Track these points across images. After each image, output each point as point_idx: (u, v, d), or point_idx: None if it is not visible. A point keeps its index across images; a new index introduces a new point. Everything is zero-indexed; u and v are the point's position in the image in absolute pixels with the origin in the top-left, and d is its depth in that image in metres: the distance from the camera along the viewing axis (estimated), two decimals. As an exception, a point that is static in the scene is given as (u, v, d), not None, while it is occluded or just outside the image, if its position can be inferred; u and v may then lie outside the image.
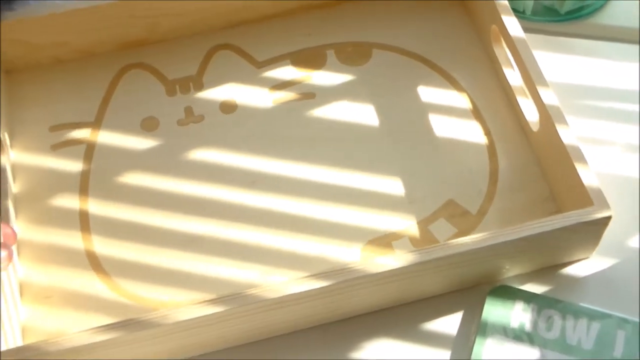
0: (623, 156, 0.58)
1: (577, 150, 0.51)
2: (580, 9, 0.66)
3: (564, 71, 0.62)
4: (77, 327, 0.49)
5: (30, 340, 0.50)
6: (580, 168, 0.50)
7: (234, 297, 0.46)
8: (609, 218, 0.49)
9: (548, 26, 0.66)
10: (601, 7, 0.66)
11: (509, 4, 0.63)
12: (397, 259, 0.47)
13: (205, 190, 0.56)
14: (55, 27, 0.60)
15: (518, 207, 0.55)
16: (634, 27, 0.64)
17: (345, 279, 0.47)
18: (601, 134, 0.59)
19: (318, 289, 0.46)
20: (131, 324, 0.45)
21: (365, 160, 0.57)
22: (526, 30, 0.62)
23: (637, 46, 0.64)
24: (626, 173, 0.57)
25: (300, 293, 0.46)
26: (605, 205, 0.49)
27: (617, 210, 0.51)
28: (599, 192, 0.50)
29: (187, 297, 0.52)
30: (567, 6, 0.65)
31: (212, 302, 0.46)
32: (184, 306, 0.46)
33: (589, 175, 0.50)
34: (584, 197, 0.50)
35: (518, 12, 0.66)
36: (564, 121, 0.52)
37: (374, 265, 0.47)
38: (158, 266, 0.53)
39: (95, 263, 0.53)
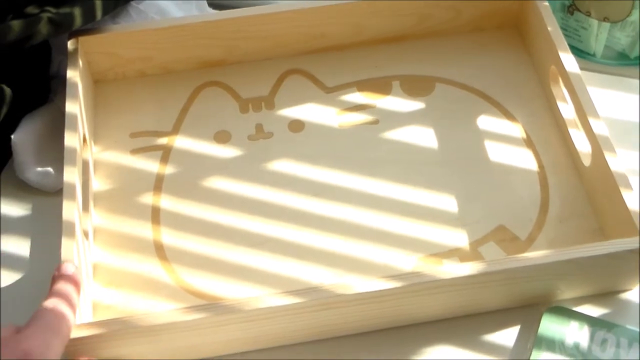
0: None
1: (625, 179, 0.54)
2: (651, 54, 0.70)
3: (627, 109, 0.65)
4: (139, 309, 0.53)
5: (99, 315, 0.54)
6: (626, 195, 0.53)
7: (311, 290, 0.50)
8: (654, 248, 0.51)
9: (618, 69, 0.69)
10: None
11: (581, 45, 0.66)
12: (461, 267, 0.51)
13: (271, 195, 0.60)
14: (142, 43, 0.65)
15: (566, 236, 0.57)
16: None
17: (417, 281, 0.50)
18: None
19: (391, 289, 0.50)
20: (214, 307, 0.49)
21: (423, 183, 0.61)
22: (594, 71, 0.66)
23: None
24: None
25: (375, 292, 0.50)
26: (650, 234, 0.52)
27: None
28: (644, 222, 0.52)
29: (244, 294, 0.55)
30: (637, 51, 0.69)
31: (290, 293, 0.50)
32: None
33: (634, 203, 0.53)
34: (630, 226, 0.52)
35: (589, 55, 0.69)
36: (612, 150, 0.55)
37: (442, 272, 0.51)
38: (218, 259, 0.57)
39: (161, 252, 0.57)
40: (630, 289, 0.55)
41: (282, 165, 0.62)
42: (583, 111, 0.58)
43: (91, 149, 0.62)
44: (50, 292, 0.48)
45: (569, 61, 0.61)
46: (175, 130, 0.65)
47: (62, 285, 0.49)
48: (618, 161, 0.55)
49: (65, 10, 0.61)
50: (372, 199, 0.60)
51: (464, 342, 0.53)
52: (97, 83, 0.67)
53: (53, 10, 0.61)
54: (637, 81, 0.68)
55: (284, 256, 0.57)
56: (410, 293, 0.51)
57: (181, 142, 0.64)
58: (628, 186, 0.54)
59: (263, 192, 0.61)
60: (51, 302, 0.47)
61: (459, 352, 0.53)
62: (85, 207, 0.58)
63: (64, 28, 0.61)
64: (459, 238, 0.58)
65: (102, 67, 0.66)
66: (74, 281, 0.49)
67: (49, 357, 0.44)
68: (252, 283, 0.56)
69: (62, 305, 0.47)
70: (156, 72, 0.68)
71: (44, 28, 0.60)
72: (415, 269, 0.56)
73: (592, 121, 0.57)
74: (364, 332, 0.54)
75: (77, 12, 0.61)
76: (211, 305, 0.49)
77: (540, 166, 0.61)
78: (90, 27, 0.64)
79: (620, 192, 0.54)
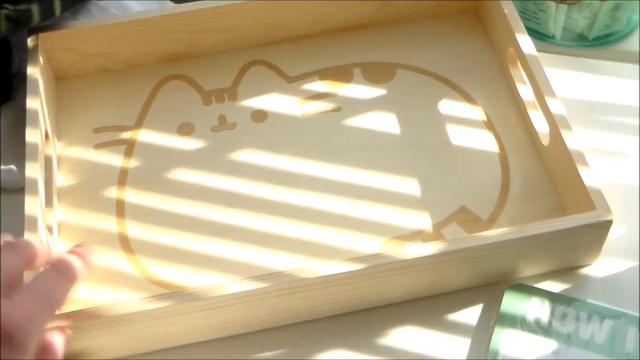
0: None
1: (581, 156, 0.55)
2: (608, 35, 0.70)
3: (587, 89, 0.66)
4: (105, 301, 0.53)
5: (65, 310, 0.54)
6: (583, 172, 0.54)
7: (273, 275, 0.50)
8: (610, 222, 0.52)
9: (577, 51, 0.70)
10: (629, 33, 0.70)
11: (540, 28, 0.67)
12: (422, 248, 0.51)
13: (235, 185, 0.61)
14: (103, 39, 0.65)
15: (527, 215, 0.58)
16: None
17: (380, 262, 0.51)
18: (616, 146, 0.63)
19: (353, 271, 0.50)
20: (176, 295, 0.50)
21: (385, 167, 0.61)
22: (554, 53, 0.67)
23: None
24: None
25: (337, 275, 0.50)
26: (606, 209, 0.52)
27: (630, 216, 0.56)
28: (600, 197, 0.53)
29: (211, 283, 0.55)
30: (595, 32, 0.69)
31: (252, 279, 0.50)
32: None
33: (591, 180, 0.54)
34: (587, 202, 0.53)
35: (548, 37, 0.70)
36: (569, 128, 0.56)
37: (404, 252, 0.51)
38: (184, 250, 0.57)
39: (126, 245, 0.58)
40: (590, 264, 0.56)
41: (245, 155, 0.62)
42: (540, 91, 0.59)
43: (54, 145, 0.62)
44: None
45: (526, 43, 0.62)
46: (139, 124, 0.65)
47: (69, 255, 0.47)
48: (575, 139, 0.56)
49: (22, 7, 0.61)
50: (335, 185, 0.60)
51: (428, 322, 0.54)
52: (59, 80, 0.67)
53: (10, 7, 0.60)
54: (596, 61, 0.69)
55: (250, 244, 0.58)
56: (372, 275, 0.51)
57: (145, 135, 0.64)
58: (585, 163, 0.55)
59: (227, 182, 0.61)
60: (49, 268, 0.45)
61: (424, 332, 0.54)
62: (49, 202, 0.58)
63: (22, 25, 0.61)
64: (422, 220, 0.58)
65: (63, 64, 0.66)
66: (82, 256, 0.47)
67: (31, 335, 0.40)
68: (218, 272, 0.56)
69: (62, 269, 0.45)
70: (118, 67, 0.68)
71: (1, 25, 0.60)
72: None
73: (549, 101, 0.58)
74: (330, 316, 0.54)
75: (35, 8, 0.61)
76: (173, 294, 0.50)
77: (501, 147, 0.62)
78: (50, 23, 0.64)
79: (577, 169, 0.54)
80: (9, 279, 0.43)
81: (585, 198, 0.54)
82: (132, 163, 0.62)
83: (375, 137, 0.63)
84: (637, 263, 0.56)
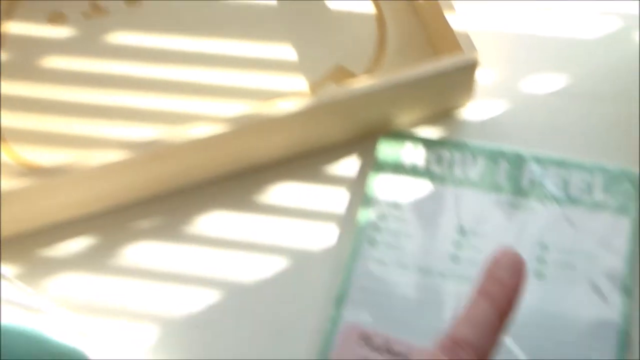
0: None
1: (449, 4, 0.55)
2: None
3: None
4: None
5: None
6: (450, 18, 0.54)
7: (143, 143, 0.50)
8: (476, 62, 0.53)
9: None
10: None
11: None
12: (292, 103, 0.51)
13: (109, 67, 0.60)
14: None
15: (403, 68, 0.58)
16: None
17: (248, 121, 0.51)
18: None
19: (224, 133, 0.51)
20: (45, 172, 0.49)
21: (261, 36, 0.61)
22: None
23: None
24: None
25: (207, 136, 0.50)
26: (472, 50, 0.53)
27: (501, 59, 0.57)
28: (467, 40, 0.53)
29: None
30: None
31: (119, 148, 0.50)
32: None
33: (458, 25, 0.54)
34: (456, 46, 0.54)
35: None
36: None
37: (274, 109, 0.51)
38: (59, 133, 0.57)
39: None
40: (462, 106, 0.57)
41: (119, 38, 0.61)
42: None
43: None
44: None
45: None
46: (8, 14, 0.63)
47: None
48: (440, -15, 0.56)
49: None
50: (211, 58, 0.60)
51: (306, 177, 0.54)
52: None
53: None
54: None
55: (126, 121, 0.57)
56: (244, 133, 0.51)
57: (14, 28, 0.62)
58: (452, 9, 0.55)
59: (100, 64, 0.60)
60: None
61: (303, 186, 0.54)
62: None
63: None
64: (299, 83, 0.58)
65: None
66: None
67: None
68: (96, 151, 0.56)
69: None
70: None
71: None
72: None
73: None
74: (208, 182, 0.54)
75: None
76: (42, 170, 0.49)
77: (378, 7, 0.62)
78: None
79: (444, 16, 0.54)
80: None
81: (454, 43, 0.54)
82: (4, 56, 0.61)
83: (250, 8, 0.62)
84: (509, 104, 0.57)
